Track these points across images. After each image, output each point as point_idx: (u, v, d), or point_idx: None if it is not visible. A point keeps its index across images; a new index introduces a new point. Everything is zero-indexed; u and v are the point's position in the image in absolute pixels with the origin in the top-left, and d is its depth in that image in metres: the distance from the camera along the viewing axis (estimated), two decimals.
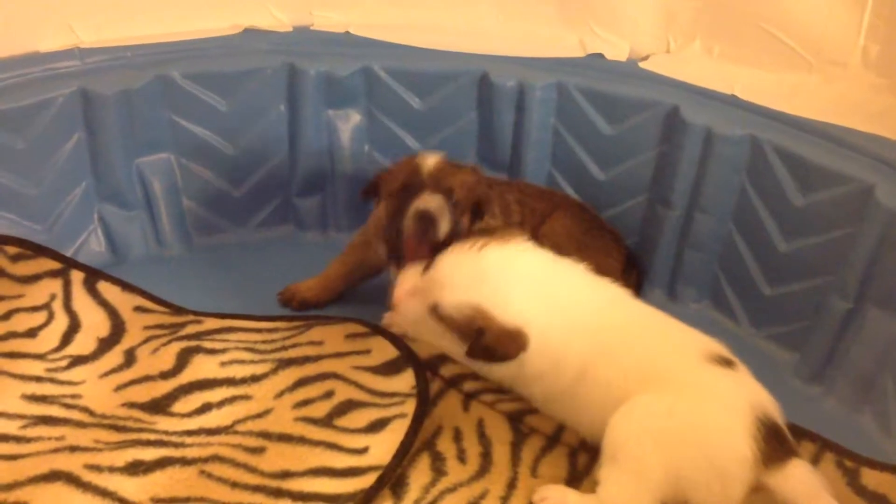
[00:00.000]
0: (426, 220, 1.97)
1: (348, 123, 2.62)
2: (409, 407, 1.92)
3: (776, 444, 1.66)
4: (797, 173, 2.24)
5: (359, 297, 2.43)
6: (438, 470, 1.85)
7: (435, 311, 1.83)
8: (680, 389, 1.71)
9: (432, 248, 1.91)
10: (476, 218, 2.12)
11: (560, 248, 1.94)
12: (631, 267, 2.39)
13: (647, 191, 2.50)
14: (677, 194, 2.42)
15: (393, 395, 1.96)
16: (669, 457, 1.67)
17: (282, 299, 2.40)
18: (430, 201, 1.98)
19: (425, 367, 2.04)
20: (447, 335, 1.85)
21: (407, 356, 2.05)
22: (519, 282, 1.81)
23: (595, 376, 1.79)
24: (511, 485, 1.84)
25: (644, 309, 1.91)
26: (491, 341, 1.79)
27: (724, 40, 2.61)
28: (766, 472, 1.64)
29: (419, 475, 1.83)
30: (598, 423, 1.76)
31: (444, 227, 1.98)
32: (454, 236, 1.95)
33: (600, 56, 2.66)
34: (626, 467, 1.70)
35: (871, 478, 1.81)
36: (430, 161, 2.08)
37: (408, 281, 1.89)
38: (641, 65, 2.63)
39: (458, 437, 1.93)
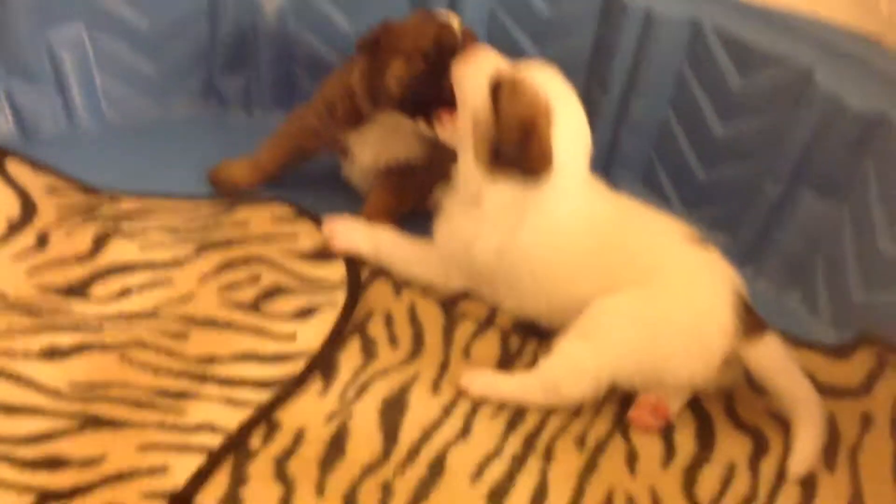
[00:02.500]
0: None
1: None
2: (340, 296, 1.88)
3: (751, 317, 1.74)
4: (737, 56, 2.18)
5: (290, 182, 2.30)
6: (369, 353, 1.82)
7: (501, 80, 1.79)
8: (668, 268, 1.76)
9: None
10: None
11: None
12: None
13: (584, 72, 2.42)
14: (614, 76, 2.35)
15: (322, 282, 1.91)
16: (650, 333, 1.71)
17: (212, 179, 2.25)
18: None
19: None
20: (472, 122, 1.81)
21: None
22: (581, 128, 1.83)
23: (587, 262, 1.80)
24: (443, 366, 1.82)
25: (616, 195, 1.92)
26: (535, 144, 1.74)
27: None
28: (743, 345, 1.72)
29: (349, 358, 1.80)
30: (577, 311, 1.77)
31: None
32: None
33: None
34: (594, 342, 1.72)
35: (798, 356, 1.83)
36: (455, 21, 2.02)
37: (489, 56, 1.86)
38: None
39: (389, 321, 1.90)
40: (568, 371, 1.73)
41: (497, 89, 1.79)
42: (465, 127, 1.83)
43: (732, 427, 1.80)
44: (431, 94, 1.95)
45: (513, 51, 2.46)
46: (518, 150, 1.75)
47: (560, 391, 1.74)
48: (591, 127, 2.39)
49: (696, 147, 2.30)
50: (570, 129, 1.79)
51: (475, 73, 1.82)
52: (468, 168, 1.84)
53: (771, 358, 1.74)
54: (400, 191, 2.15)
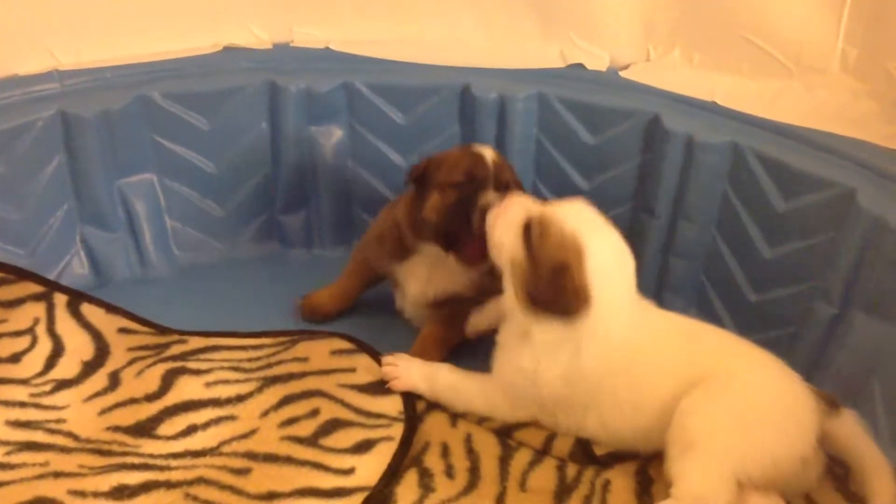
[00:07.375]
0: None
1: (330, 139, 2.62)
2: (397, 430, 1.91)
3: (824, 394, 1.83)
4: (779, 179, 2.24)
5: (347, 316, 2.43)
6: (426, 486, 1.84)
7: (531, 223, 1.81)
8: (737, 360, 1.83)
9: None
10: None
11: None
12: None
13: (630, 200, 2.49)
14: (661, 203, 2.42)
15: (379, 416, 1.95)
16: (752, 428, 1.73)
17: (305, 310, 2.38)
18: (497, 198, 1.99)
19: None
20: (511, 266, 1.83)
21: None
22: (618, 255, 1.85)
23: (636, 377, 1.84)
24: (499, 499, 1.82)
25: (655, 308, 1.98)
26: (569, 284, 1.76)
27: (703, 48, 2.62)
28: (827, 419, 1.79)
29: (406, 492, 1.82)
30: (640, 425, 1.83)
31: None
32: None
33: (581, 66, 2.66)
34: (709, 451, 1.72)
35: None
36: (489, 154, 2.13)
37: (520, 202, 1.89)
38: (622, 74, 2.64)
39: (445, 452, 1.92)
40: (707, 484, 1.70)
41: (528, 232, 1.82)
42: (504, 273, 1.88)
43: None
44: (462, 227, 2.03)
45: (560, 180, 2.57)
46: (553, 292, 1.78)
47: None
48: (640, 254, 2.44)
49: (746, 270, 2.32)
50: (604, 261, 1.80)
51: (507, 221, 1.86)
52: (514, 308, 1.88)
53: (852, 428, 1.80)
54: (451, 323, 2.21)
